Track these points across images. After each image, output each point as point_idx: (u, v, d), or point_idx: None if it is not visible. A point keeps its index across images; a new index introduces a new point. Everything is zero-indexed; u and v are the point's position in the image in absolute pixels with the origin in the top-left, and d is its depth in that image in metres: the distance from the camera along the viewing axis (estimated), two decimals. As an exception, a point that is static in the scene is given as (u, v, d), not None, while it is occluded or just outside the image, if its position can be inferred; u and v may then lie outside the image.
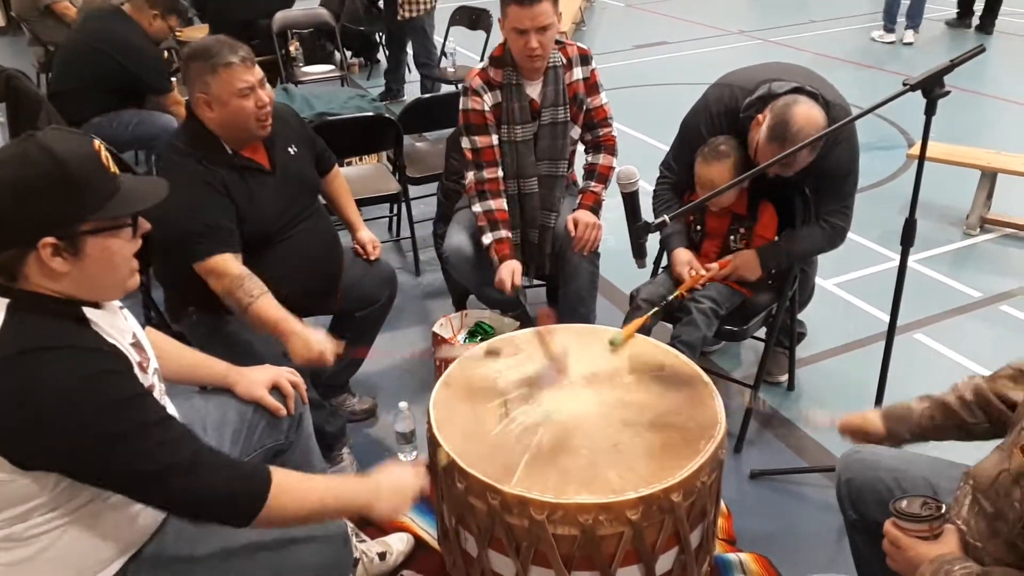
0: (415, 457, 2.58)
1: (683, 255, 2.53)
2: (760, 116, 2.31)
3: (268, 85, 2.21)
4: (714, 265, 2.50)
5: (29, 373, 1.20)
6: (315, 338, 2.06)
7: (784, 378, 2.91)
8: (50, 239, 1.24)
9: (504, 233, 2.67)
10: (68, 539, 1.34)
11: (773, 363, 2.85)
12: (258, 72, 2.17)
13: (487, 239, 2.68)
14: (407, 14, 5.47)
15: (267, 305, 2.10)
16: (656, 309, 2.39)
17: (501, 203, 2.70)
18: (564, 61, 2.67)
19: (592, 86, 2.73)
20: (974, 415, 1.60)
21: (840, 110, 2.34)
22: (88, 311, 1.33)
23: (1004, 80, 6.19)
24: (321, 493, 1.46)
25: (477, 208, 2.70)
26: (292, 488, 1.41)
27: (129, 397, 1.29)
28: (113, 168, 1.32)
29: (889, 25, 7.70)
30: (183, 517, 1.43)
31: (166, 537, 1.51)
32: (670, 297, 2.45)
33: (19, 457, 1.22)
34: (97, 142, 1.32)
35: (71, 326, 1.29)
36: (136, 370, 1.36)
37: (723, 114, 2.47)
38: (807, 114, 2.21)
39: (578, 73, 2.70)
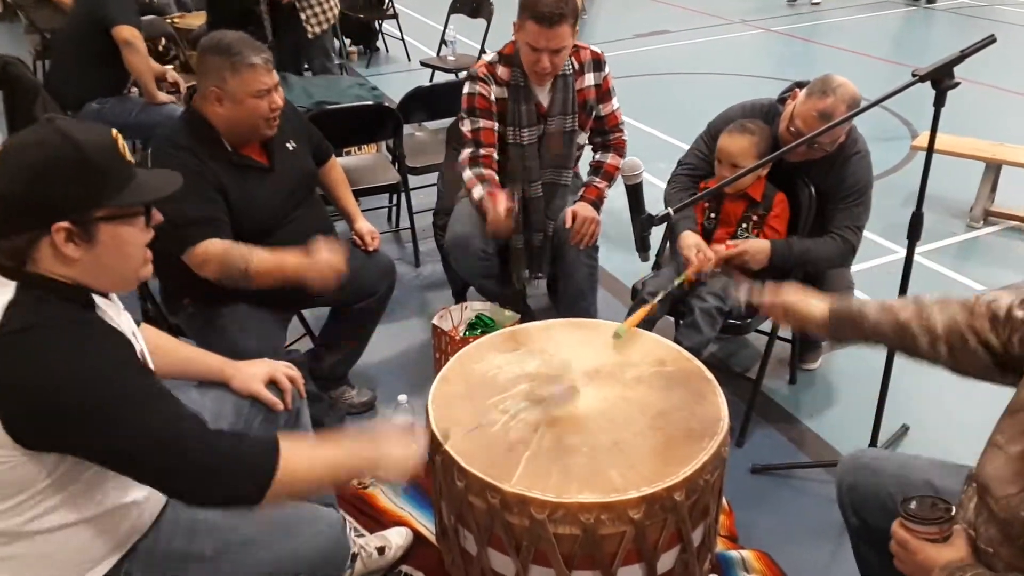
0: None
1: (690, 238, 2.49)
2: (793, 93, 2.42)
3: (281, 89, 2.23)
4: (721, 247, 2.46)
5: (35, 348, 1.21)
6: (322, 260, 2.09)
7: (816, 365, 2.95)
8: (64, 224, 1.24)
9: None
10: (63, 535, 1.32)
11: (808, 351, 2.93)
12: (275, 76, 2.18)
13: (477, 192, 2.59)
14: (316, 28, 4.81)
15: (262, 259, 2.11)
16: (661, 297, 2.34)
17: (492, 172, 2.64)
18: (575, 67, 2.61)
19: (605, 92, 2.67)
20: (935, 351, 1.44)
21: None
22: (96, 298, 1.34)
23: (1006, 72, 6.15)
24: (329, 459, 1.46)
25: (468, 174, 2.64)
26: (301, 456, 1.39)
27: (137, 368, 1.31)
28: (129, 158, 1.34)
29: None
30: (190, 498, 1.37)
31: (161, 533, 1.48)
32: (677, 281, 2.39)
33: (25, 435, 1.21)
34: (114, 131, 1.33)
35: (78, 308, 1.30)
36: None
37: (758, 108, 2.54)
38: (845, 80, 2.29)
39: (590, 79, 2.64)
